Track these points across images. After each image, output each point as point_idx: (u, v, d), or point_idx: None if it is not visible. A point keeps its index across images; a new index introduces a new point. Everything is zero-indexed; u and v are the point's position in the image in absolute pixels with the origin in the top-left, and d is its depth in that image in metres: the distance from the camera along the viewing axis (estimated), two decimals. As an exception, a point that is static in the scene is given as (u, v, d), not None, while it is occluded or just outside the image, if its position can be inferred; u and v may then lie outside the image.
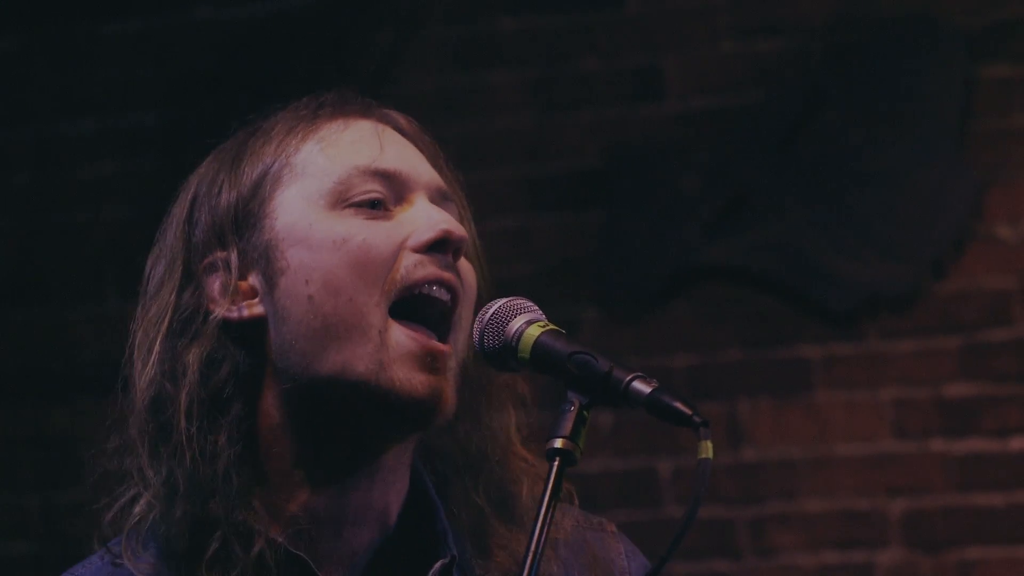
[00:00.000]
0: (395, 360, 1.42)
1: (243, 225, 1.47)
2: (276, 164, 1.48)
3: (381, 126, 1.51)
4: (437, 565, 1.47)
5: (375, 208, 1.46)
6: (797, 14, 3.48)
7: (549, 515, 1.33)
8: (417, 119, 1.58)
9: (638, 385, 1.34)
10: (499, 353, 1.42)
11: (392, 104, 1.58)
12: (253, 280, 1.46)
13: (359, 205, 1.45)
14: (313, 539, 1.46)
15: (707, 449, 1.30)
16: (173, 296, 1.47)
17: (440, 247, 1.44)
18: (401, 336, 1.43)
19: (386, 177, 1.47)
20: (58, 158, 4.06)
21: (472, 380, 1.49)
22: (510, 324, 1.41)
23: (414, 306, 1.44)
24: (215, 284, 1.46)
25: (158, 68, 4.00)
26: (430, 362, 1.43)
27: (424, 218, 1.46)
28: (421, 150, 1.53)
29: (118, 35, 4.03)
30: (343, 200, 1.45)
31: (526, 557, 1.31)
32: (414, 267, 1.44)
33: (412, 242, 1.44)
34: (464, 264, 1.48)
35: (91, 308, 3.90)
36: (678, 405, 1.32)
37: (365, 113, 1.52)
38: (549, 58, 3.70)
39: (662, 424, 1.35)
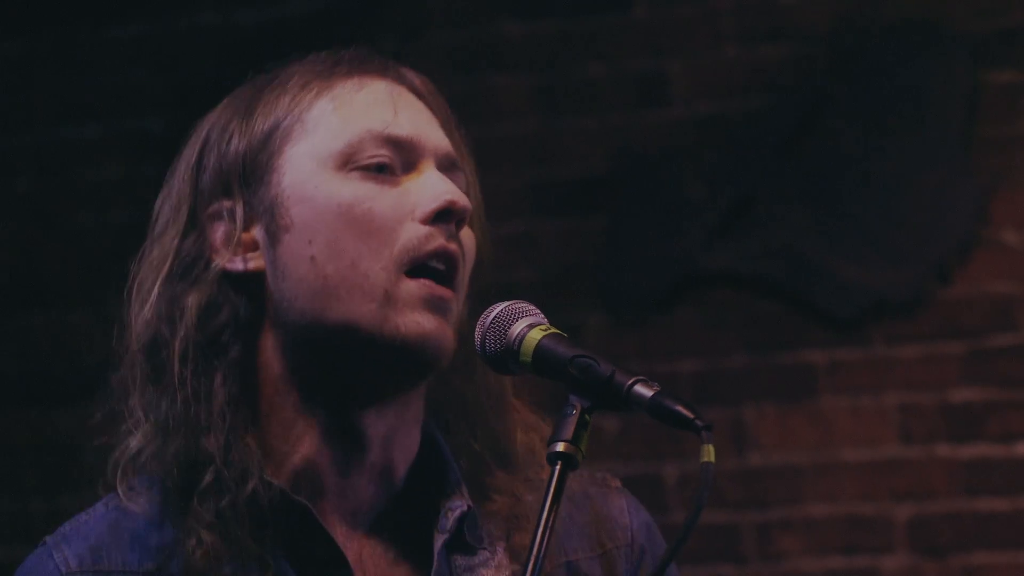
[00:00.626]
0: (401, 306, 1.42)
1: (250, 177, 1.47)
2: (288, 119, 1.48)
3: (396, 88, 1.51)
4: (457, 512, 1.46)
5: (382, 172, 1.46)
6: (802, 20, 3.48)
7: (551, 519, 1.33)
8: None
9: (640, 389, 1.33)
10: (500, 357, 1.41)
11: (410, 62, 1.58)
12: (256, 233, 1.47)
13: (366, 168, 1.46)
14: (316, 489, 1.46)
15: (709, 453, 1.30)
16: (176, 241, 1.47)
17: (444, 217, 1.45)
18: (410, 285, 1.43)
19: (396, 143, 1.47)
20: (62, 162, 4.07)
21: (467, 335, 1.48)
22: (512, 328, 1.41)
23: (417, 272, 1.45)
24: (218, 232, 1.47)
25: (162, 73, 4.01)
26: (435, 304, 1.43)
27: (430, 188, 1.46)
28: (434, 113, 1.53)
29: (122, 40, 4.03)
30: (351, 162, 1.46)
31: (528, 560, 1.31)
32: (419, 240, 1.44)
33: (418, 213, 1.44)
34: (465, 232, 1.48)
35: (95, 312, 3.89)
36: (680, 409, 1.32)
37: (381, 72, 1.52)
38: (554, 63, 3.70)
39: (667, 429, 1.35)
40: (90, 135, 4.03)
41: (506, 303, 1.43)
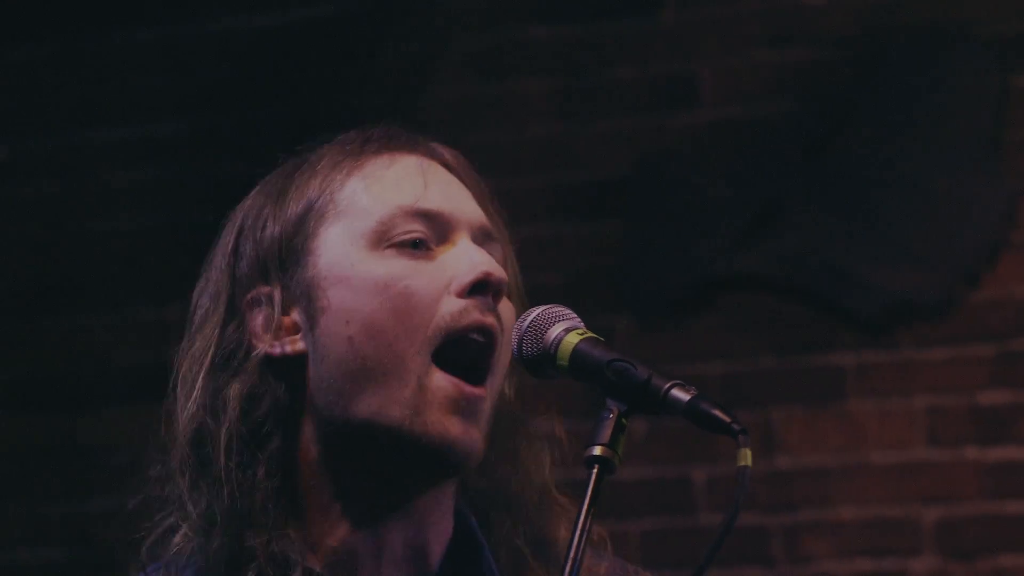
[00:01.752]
0: (430, 405, 1.42)
1: (287, 261, 1.47)
2: (320, 200, 1.48)
3: (427, 162, 1.50)
4: None
5: (417, 248, 1.45)
6: (829, 23, 3.48)
7: (587, 522, 1.34)
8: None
9: (677, 393, 1.34)
10: (537, 360, 1.42)
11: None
12: (295, 316, 1.47)
13: (401, 245, 1.45)
14: (352, 574, 1.46)
15: (746, 457, 1.30)
16: (217, 331, 1.48)
17: (481, 289, 1.44)
18: (440, 381, 1.43)
19: (429, 217, 1.46)
20: (83, 166, 4.08)
21: (508, 421, 1.50)
22: (548, 331, 1.41)
23: (453, 348, 1.44)
24: (258, 319, 1.47)
25: (182, 77, 4.02)
26: (464, 407, 1.43)
27: (466, 260, 1.45)
28: (467, 186, 1.52)
29: (142, 44, 4.05)
30: (385, 240, 1.45)
31: (565, 562, 1.32)
32: (458, 314, 1.44)
33: (454, 286, 1.44)
34: (504, 305, 1.48)
35: (118, 316, 3.92)
36: (717, 413, 1.33)
37: (411, 148, 1.51)
38: (580, 67, 3.70)
39: (697, 431, 1.35)
40: (111, 139, 4.05)
41: (543, 307, 1.43)
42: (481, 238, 1.50)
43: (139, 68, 4.03)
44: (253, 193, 1.54)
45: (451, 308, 1.44)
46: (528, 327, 1.42)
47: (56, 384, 4.03)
